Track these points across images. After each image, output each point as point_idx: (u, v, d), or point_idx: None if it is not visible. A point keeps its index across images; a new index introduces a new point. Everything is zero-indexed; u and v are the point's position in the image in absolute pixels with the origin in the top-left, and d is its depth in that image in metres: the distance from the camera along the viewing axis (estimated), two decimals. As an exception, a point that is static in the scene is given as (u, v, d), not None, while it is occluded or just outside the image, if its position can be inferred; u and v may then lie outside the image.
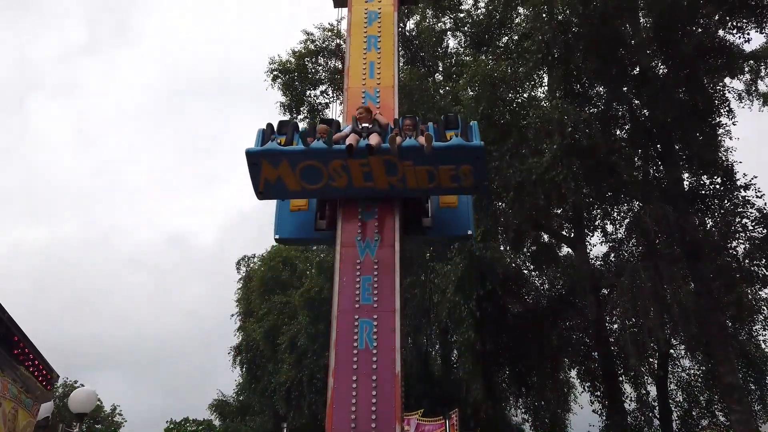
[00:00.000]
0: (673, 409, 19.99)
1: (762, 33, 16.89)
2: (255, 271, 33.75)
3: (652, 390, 20.33)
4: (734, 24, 16.97)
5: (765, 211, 15.65)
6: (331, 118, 8.56)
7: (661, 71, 17.85)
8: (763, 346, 18.07)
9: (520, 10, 19.69)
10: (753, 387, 18.53)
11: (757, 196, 15.75)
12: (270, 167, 6.44)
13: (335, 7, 9.29)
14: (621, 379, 19.58)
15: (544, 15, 16.29)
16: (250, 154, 6.44)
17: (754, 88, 19.55)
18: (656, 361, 19.77)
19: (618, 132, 17.93)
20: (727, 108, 17.26)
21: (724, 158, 16.87)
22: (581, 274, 17.89)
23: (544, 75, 18.85)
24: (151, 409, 66.71)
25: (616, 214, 17.93)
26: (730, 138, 17.02)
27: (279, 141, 6.64)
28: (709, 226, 16.39)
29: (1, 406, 9.33)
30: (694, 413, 20.25)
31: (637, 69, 17.62)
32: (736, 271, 15.72)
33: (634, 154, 17.44)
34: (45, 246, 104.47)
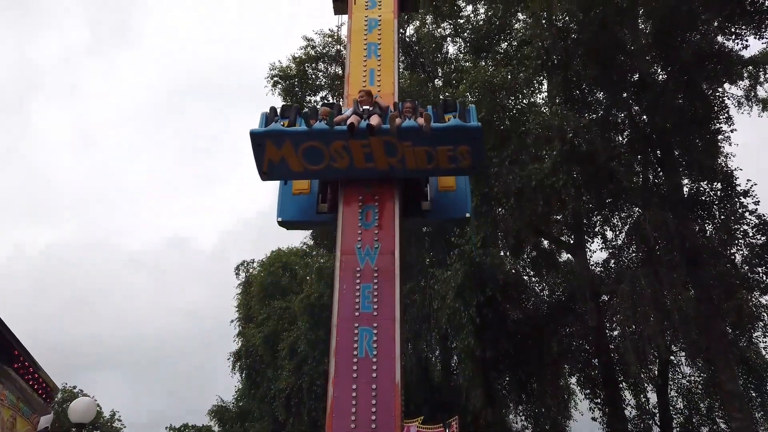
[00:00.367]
0: (673, 416, 19.92)
1: (760, 39, 16.93)
2: (255, 277, 33.68)
3: (653, 397, 20.27)
4: (733, 30, 17.02)
5: (764, 218, 15.65)
6: (332, 102, 8.65)
7: (660, 77, 17.89)
8: (763, 353, 18.02)
9: (520, 16, 19.77)
10: (754, 394, 18.45)
11: (755, 203, 15.77)
12: (274, 148, 6.55)
13: (336, 14, 9.34)
14: (621, 386, 19.51)
15: (543, 21, 16.33)
16: (254, 135, 6.56)
17: (753, 93, 19.60)
18: (657, 368, 19.72)
19: (618, 138, 17.95)
20: (726, 114, 17.27)
21: (723, 164, 16.89)
22: (581, 280, 17.87)
23: (544, 81, 18.89)
24: (150, 411, 66.53)
25: (616, 220, 17.92)
26: (730, 144, 17.05)
27: (282, 123, 6.76)
28: (708, 232, 16.39)
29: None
30: (694, 420, 20.16)
31: (637, 75, 17.66)
32: (736, 277, 15.70)
33: (634, 160, 17.46)
34: (45, 246, 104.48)
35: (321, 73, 23.61)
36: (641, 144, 17.27)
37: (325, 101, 21.51)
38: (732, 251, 15.97)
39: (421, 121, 6.45)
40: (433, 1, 20.96)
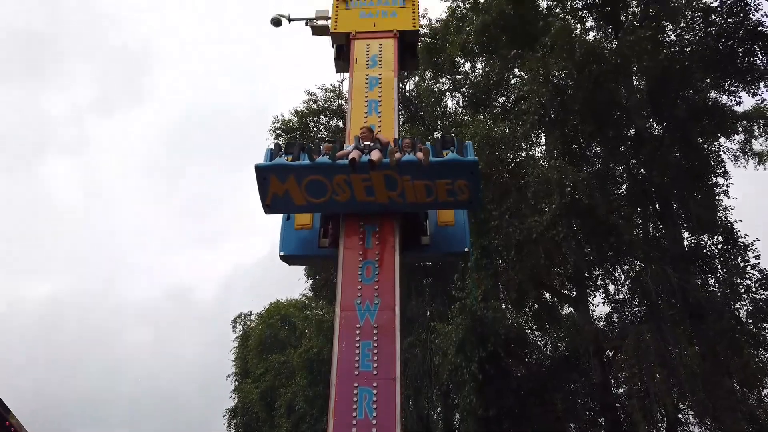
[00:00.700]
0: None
1: (753, 97, 17.31)
2: (253, 330, 33.20)
3: (662, 457, 19.56)
4: (725, 87, 17.42)
5: (767, 273, 15.54)
6: (334, 138, 8.91)
7: (656, 132, 18.17)
8: (772, 411, 17.51)
9: (516, 72, 20.27)
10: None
11: (755, 257, 15.69)
12: (278, 181, 6.74)
13: (337, 72, 9.58)
14: (629, 445, 18.89)
15: (540, 78, 16.71)
16: (259, 169, 6.75)
17: (748, 147, 19.88)
18: (664, 427, 19.13)
19: (616, 191, 18.06)
20: (723, 169, 17.45)
21: (723, 218, 16.93)
22: (585, 335, 17.60)
23: (542, 135, 19.17)
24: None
25: (617, 273, 17.81)
26: (728, 197, 17.15)
27: (286, 159, 7.02)
28: (711, 286, 16.25)
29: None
30: (705, 481, 19.40)
31: (633, 130, 17.94)
32: (741, 333, 15.46)
33: (633, 213, 17.51)
34: (43, 299, 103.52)
35: (323, 126, 24.02)
36: (640, 197, 17.36)
37: (328, 138, 21.85)
38: (736, 306, 15.78)
39: (420, 155, 6.66)
40: (432, 58, 21.56)
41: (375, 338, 6.31)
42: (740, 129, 19.45)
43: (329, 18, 9.51)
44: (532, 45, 17.50)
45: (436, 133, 22.72)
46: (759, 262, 15.67)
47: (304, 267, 24.88)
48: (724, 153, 18.29)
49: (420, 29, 11.04)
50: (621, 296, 17.81)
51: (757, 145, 19.81)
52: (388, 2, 9.42)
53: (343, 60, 9.41)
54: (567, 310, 20.42)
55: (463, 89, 22.16)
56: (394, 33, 9.04)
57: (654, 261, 15.24)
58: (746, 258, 15.74)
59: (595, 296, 18.44)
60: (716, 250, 16.46)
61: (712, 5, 17.07)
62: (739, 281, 15.68)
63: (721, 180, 17.31)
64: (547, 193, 15.27)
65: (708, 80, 17.41)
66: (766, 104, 17.90)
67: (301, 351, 23.97)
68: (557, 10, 20.33)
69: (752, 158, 19.94)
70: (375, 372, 6.08)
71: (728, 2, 16.68)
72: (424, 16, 22.22)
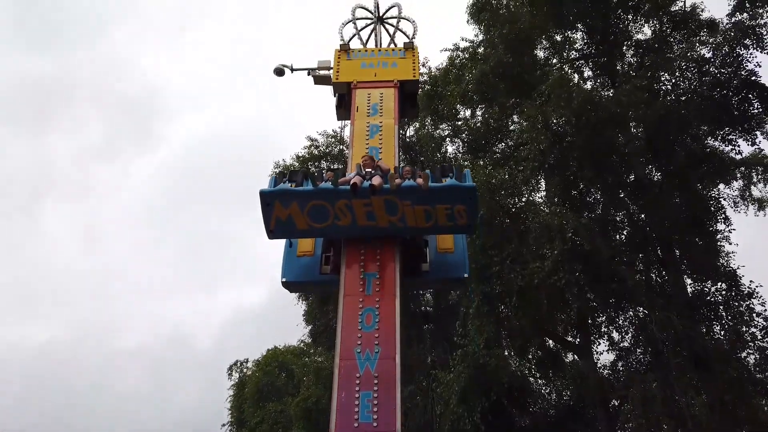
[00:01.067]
0: None
1: (751, 145, 17.49)
2: (249, 377, 32.54)
3: None
4: (723, 135, 17.62)
5: (772, 320, 15.34)
6: (337, 167, 9.14)
7: (656, 178, 18.26)
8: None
9: (515, 118, 20.55)
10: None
11: (761, 304, 15.51)
12: (281, 207, 6.95)
13: (338, 120, 9.70)
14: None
15: (538, 125, 16.92)
16: (264, 195, 6.97)
17: (748, 193, 19.96)
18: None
19: (618, 237, 18.01)
20: (723, 215, 17.45)
21: (725, 264, 16.81)
22: (589, 383, 17.21)
23: (542, 180, 19.26)
24: None
25: (621, 320, 17.57)
26: (729, 243, 17.08)
27: (290, 185, 7.23)
28: (716, 334, 16.00)
29: None
30: None
31: (632, 176, 18.03)
32: (749, 382, 15.13)
33: (636, 259, 17.39)
34: (40, 345, 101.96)
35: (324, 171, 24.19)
36: (641, 243, 17.30)
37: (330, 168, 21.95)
38: (742, 354, 15.50)
39: (420, 180, 6.92)
40: (432, 105, 21.92)
41: (375, 388, 6.16)
42: (739, 175, 19.58)
43: (331, 68, 9.70)
44: (530, 93, 17.81)
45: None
46: (765, 309, 15.50)
47: (302, 313, 24.64)
48: (724, 199, 18.34)
49: (420, 78, 11.26)
50: (625, 344, 17.51)
51: (756, 192, 19.92)
52: (389, 53, 9.67)
53: (344, 109, 9.55)
54: (571, 357, 20.07)
55: (463, 135, 22.43)
56: (394, 82, 9.22)
57: (658, 308, 15.04)
58: (751, 306, 15.56)
59: (600, 344, 18.14)
60: (720, 297, 16.28)
61: (706, 56, 17.47)
62: (744, 329, 15.45)
63: (722, 226, 17.29)
64: (548, 239, 15.22)
65: (705, 128, 17.62)
66: (764, 153, 18.08)
67: (298, 400, 23.42)
68: (554, 59, 20.81)
69: (752, 204, 20.01)
70: (375, 424, 5.91)
71: (722, 53, 17.05)
72: (424, 65, 22.77)
